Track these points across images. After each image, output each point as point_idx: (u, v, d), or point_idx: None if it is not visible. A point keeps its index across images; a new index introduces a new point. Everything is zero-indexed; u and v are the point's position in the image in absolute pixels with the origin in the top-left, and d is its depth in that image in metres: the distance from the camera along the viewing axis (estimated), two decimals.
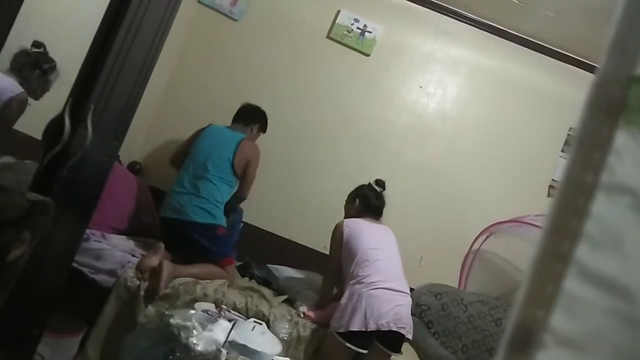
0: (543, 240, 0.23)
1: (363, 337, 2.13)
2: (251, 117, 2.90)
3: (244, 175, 2.72)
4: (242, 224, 3.04)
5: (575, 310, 0.21)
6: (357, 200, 2.63)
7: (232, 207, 2.80)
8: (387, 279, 2.24)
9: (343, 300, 2.23)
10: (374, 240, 2.40)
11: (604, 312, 0.21)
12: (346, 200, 2.72)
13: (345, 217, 2.63)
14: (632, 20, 0.22)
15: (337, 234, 2.49)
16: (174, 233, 2.54)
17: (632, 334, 0.20)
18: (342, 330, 2.15)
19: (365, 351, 2.16)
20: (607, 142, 0.22)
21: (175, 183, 2.65)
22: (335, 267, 2.48)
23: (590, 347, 0.21)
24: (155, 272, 2.28)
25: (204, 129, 2.80)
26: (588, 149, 0.22)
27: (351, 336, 2.13)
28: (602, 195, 0.22)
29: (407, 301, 2.26)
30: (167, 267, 2.28)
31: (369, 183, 2.70)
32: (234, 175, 2.67)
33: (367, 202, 2.60)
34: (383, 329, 2.11)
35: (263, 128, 2.97)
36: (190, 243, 2.50)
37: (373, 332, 2.12)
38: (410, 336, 2.23)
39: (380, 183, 2.69)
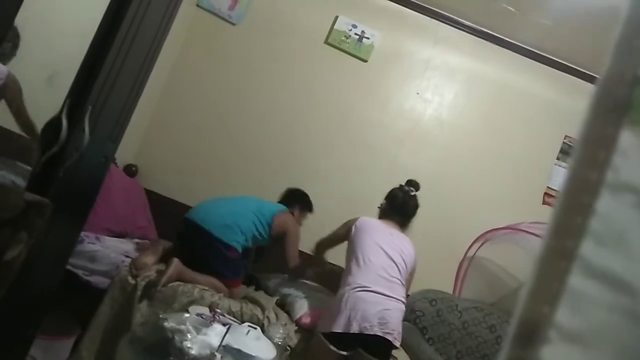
0: (548, 237, 0.23)
1: (348, 340, 2.09)
2: (289, 201, 2.96)
3: (284, 246, 2.75)
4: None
5: (579, 306, 0.22)
6: (385, 201, 2.57)
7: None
8: (378, 283, 2.17)
9: (332, 302, 2.21)
10: (378, 242, 2.30)
11: (608, 308, 0.21)
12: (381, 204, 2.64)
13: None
14: (638, 21, 0.22)
15: (346, 226, 2.47)
16: (191, 238, 2.53)
17: (636, 329, 0.21)
18: (325, 330, 2.12)
19: (346, 353, 2.10)
20: (612, 141, 0.22)
21: (214, 200, 2.69)
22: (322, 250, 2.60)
23: (594, 342, 0.21)
24: (163, 269, 2.27)
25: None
26: (593, 147, 0.23)
27: (336, 338, 2.09)
28: (606, 193, 0.22)
29: (396, 306, 2.18)
30: (176, 265, 2.28)
31: (401, 185, 2.61)
32: (269, 234, 2.67)
33: (393, 201, 2.52)
34: (366, 332, 2.06)
35: (307, 207, 3.02)
36: (201, 254, 2.48)
37: (357, 335, 2.07)
38: (397, 343, 2.16)
39: (412, 183, 2.59)
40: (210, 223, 2.48)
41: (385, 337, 2.09)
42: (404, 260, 2.32)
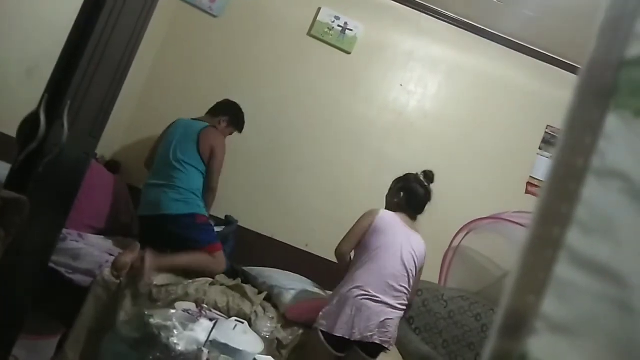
0: (534, 225, 0.23)
1: (345, 342, 2.10)
2: (221, 109, 2.86)
3: (209, 164, 2.64)
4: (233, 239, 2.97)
5: (566, 296, 0.21)
6: (402, 194, 2.41)
7: (203, 199, 2.71)
8: (386, 292, 2.15)
9: (334, 300, 2.16)
10: (398, 247, 2.21)
11: (595, 297, 0.21)
12: (389, 190, 2.48)
13: (386, 208, 2.42)
14: (622, 3, 0.22)
15: (367, 220, 2.27)
16: (154, 230, 2.51)
17: (624, 318, 0.20)
18: (325, 330, 2.12)
19: (342, 354, 2.13)
20: (597, 126, 0.22)
21: (149, 176, 2.65)
22: (348, 249, 2.27)
23: (582, 332, 0.21)
24: (137, 267, 2.25)
25: (171, 124, 2.78)
26: (579, 133, 0.22)
27: (333, 338, 2.10)
28: (592, 179, 0.22)
29: (398, 315, 2.18)
30: (149, 258, 2.26)
31: (416, 174, 2.45)
32: (202, 163, 2.62)
33: (413, 197, 2.37)
34: (366, 341, 2.09)
35: (234, 123, 2.88)
36: (171, 237, 2.46)
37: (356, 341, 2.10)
38: (391, 348, 2.21)
39: (428, 175, 2.45)
40: (162, 206, 2.47)
41: (383, 344, 2.13)
42: (415, 265, 2.26)
